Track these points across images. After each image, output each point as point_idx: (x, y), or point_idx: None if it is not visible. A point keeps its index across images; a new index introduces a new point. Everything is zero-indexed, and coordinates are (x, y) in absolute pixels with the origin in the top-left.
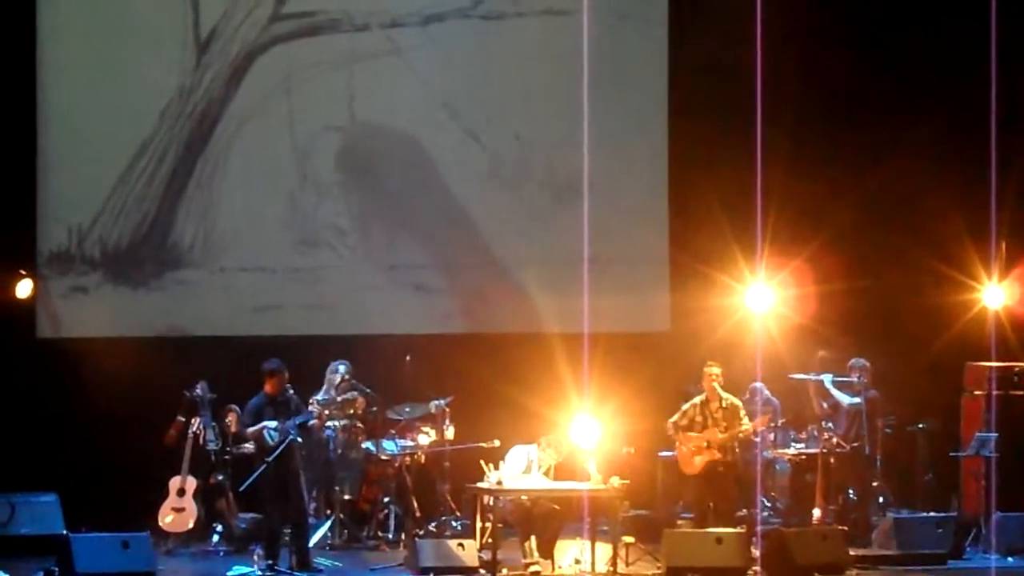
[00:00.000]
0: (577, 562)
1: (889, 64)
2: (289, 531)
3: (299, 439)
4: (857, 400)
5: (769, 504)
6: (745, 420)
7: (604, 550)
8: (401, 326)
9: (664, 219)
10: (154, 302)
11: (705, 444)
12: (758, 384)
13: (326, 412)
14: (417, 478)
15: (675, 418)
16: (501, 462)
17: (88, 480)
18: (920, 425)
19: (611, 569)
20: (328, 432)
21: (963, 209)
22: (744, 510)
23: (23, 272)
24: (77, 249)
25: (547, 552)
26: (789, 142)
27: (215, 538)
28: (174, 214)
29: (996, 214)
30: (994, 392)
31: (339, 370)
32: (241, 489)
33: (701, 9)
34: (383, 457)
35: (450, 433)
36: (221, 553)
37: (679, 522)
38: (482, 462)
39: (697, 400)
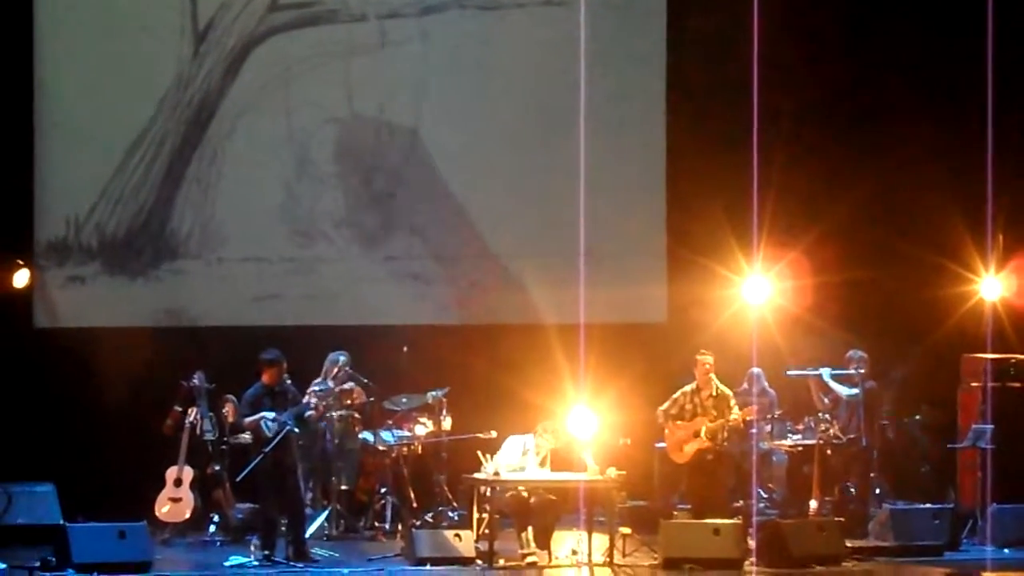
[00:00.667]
0: (574, 553)
1: (887, 56)
2: (286, 521)
3: (296, 430)
4: (855, 391)
5: (766, 495)
6: (735, 410)
7: (601, 541)
8: (398, 317)
9: (661, 210)
10: (151, 292)
11: (693, 433)
12: (756, 370)
13: (322, 403)
14: (414, 469)
15: (665, 406)
16: (499, 453)
17: (85, 470)
18: (917, 417)
19: (608, 560)
20: (325, 423)
21: (960, 201)
22: (741, 501)
23: (20, 262)
24: (74, 239)
25: (544, 543)
26: (786, 134)
27: (212, 528)
28: (171, 204)
29: (993, 206)
30: (990, 384)
31: (338, 360)
32: (238, 479)
33: (698, 2)
34: (380, 448)
35: (447, 424)
36: (218, 543)
37: (676, 513)
38: (479, 453)
39: (688, 388)
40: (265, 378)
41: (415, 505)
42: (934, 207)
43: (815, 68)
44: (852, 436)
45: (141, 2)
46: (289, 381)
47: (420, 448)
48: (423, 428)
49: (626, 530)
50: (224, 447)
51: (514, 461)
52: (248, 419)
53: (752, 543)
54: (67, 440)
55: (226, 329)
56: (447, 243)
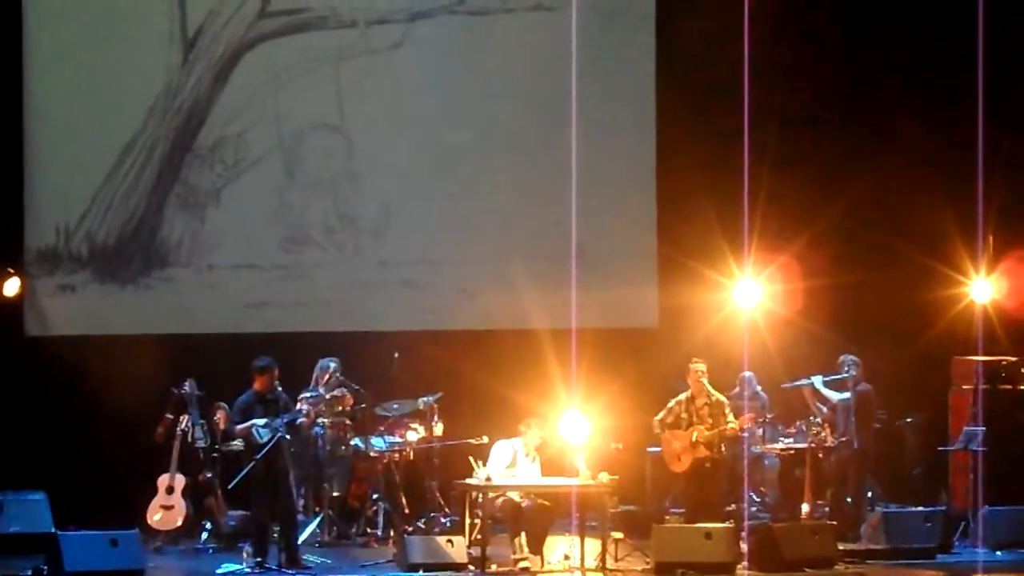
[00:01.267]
0: (566, 558)
1: (877, 60)
2: (278, 528)
3: (288, 437)
4: (846, 396)
5: (758, 499)
6: (731, 417)
7: (593, 546)
8: (389, 323)
9: (652, 215)
10: (142, 300)
11: (691, 442)
12: (748, 374)
13: (314, 410)
14: (406, 474)
15: (661, 415)
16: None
17: (77, 478)
18: (908, 419)
19: (600, 564)
20: (317, 429)
21: (950, 204)
22: (733, 505)
23: (11, 270)
24: (64, 247)
25: (536, 548)
26: (777, 138)
27: (204, 536)
28: (161, 212)
29: (983, 209)
30: (981, 386)
31: (329, 367)
32: (230, 486)
33: (689, 5)
34: (372, 454)
35: (439, 429)
36: (210, 550)
37: (668, 517)
38: (471, 458)
39: (683, 397)
40: (257, 385)
41: (407, 511)
42: (924, 210)
43: (805, 72)
44: (844, 439)
45: (130, 11)
46: (280, 388)
47: (412, 454)
48: (415, 434)
49: (618, 535)
50: (216, 454)
51: (504, 467)
52: (240, 426)
53: (744, 547)
54: (58, 448)
55: (217, 336)
56: (438, 248)
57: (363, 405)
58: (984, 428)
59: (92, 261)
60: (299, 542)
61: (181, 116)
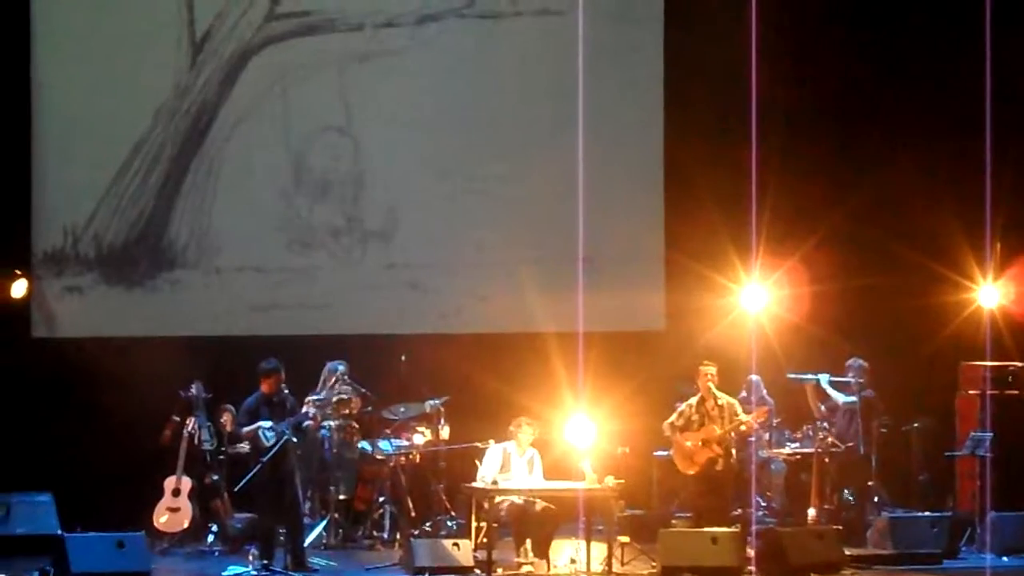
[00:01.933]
0: (572, 562)
1: (884, 64)
2: (284, 531)
3: (294, 439)
4: (853, 399)
5: (764, 503)
6: (742, 415)
7: (599, 550)
8: (396, 326)
9: (660, 218)
10: (149, 302)
11: (702, 442)
12: (755, 378)
13: (320, 413)
14: (412, 478)
15: (672, 419)
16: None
17: (83, 480)
18: (915, 424)
19: (606, 569)
20: (323, 432)
21: (958, 208)
22: (739, 509)
23: (18, 272)
24: (72, 249)
25: (542, 552)
26: (784, 142)
27: (210, 538)
28: (169, 214)
29: (991, 214)
30: (989, 392)
31: (337, 369)
32: (236, 489)
33: (696, 9)
34: (378, 457)
35: (445, 433)
36: (216, 553)
37: (674, 521)
38: (477, 462)
39: (692, 400)
40: (263, 387)
41: (413, 514)
42: (932, 215)
43: (814, 77)
44: (850, 444)
45: (139, 13)
46: (287, 390)
47: (418, 457)
48: (421, 437)
49: (624, 539)
50: (222, 457)
51: (496, 471)
52: (246, 428)
53: (751, 552)
54: (65, 450)
55: (224, 339)
56: (445, 251)
57: (370, 408)
58: (991, 433)
59: (99, 263)
60: (305, 545)
61: (189, 118)
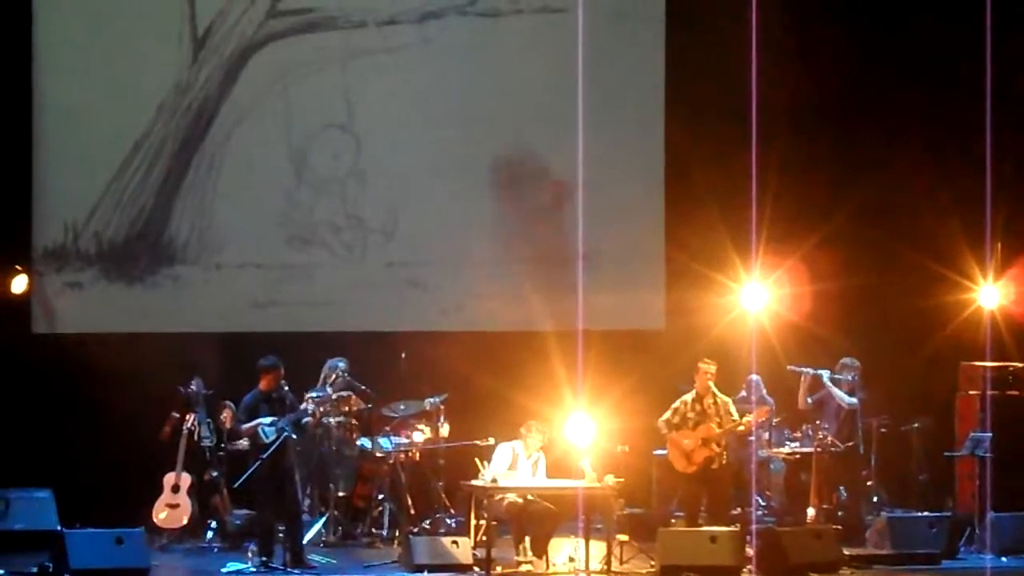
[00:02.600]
0: (571, 560)
1: (884, 63)
2: (283, 528)
3: (294, 436)
4: (855, 400)
5: (763, 503)
6: (736, 416)
7: (598, 548)
8: (396, 323)
9: (660, 217)
10: (149, 298)
11: (701, 440)
12: (755, 377)
13: (320, 410)
14: (411, 475)
15: (667, 416)
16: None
17: (83, 476)
18: (915, 424)
19: (605, 567)
20: (327, 428)
21: (959, 209)
22: (738, 509)
23: (19, 268)
24: (72, 245)
25: (541, 550)
26: (784, 141)
27: (209, 534)
28: (169, 210)
29: (991, 214)
30: (989, 392)
31: (337, 367)
32: (236, 486)
33: (697, 8)
34: (378, 454)
35: (445, 430)
36: (215, 549)
37: (673, 520)
38: (476, 460)
39: (688, 397)
40: (263, 384)
41: (413, 512)
42: (932, 215)
43: (814, 76)
44: (849, 444)
45: (140, 9)
46: (287, 387)
47: (418, 455)
48: (421, 435)
49: (624, 537)
50: (222, 453)
51: (505, 468)
52: (246, 425)
53: (750, 551)
54: (65, 446)
55: (224, 335)
56: (445, 249)
57: (370, 405)
58: (991, 434)
59: (100, 259)
60: (304, 542)
61: (190, 114)
